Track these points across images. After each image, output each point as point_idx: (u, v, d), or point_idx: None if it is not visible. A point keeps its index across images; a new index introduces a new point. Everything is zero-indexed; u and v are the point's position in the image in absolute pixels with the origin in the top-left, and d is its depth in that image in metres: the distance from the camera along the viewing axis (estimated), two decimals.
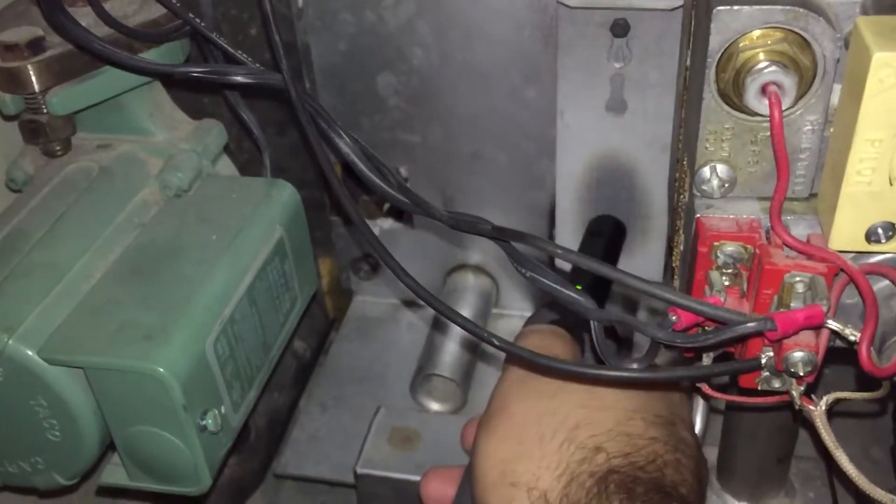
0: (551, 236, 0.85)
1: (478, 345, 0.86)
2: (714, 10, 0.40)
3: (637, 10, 0.69)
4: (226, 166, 0.73)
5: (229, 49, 0.59)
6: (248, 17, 0.77)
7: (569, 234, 0.83)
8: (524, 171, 0.83)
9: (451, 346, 0.84)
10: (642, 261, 0.83)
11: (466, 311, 0.87)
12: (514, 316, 0.92)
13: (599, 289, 0.67)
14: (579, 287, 0.65)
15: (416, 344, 0.88)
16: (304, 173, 0.84)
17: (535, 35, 0.75)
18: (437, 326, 0.87)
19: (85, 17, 0.61)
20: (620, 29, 0.71)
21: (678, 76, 0.61)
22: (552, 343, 0.53)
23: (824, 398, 0.45)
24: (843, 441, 0.45)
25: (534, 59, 0.76)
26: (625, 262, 0.84)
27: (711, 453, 0.68)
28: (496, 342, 0.46)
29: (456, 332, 0.85)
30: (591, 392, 0.48)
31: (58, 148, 0.64)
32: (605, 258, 0.73)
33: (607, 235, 0.75)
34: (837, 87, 0.42)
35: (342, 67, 0.80)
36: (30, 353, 0.54)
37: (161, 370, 0.52)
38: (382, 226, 0.88)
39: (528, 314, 0.90)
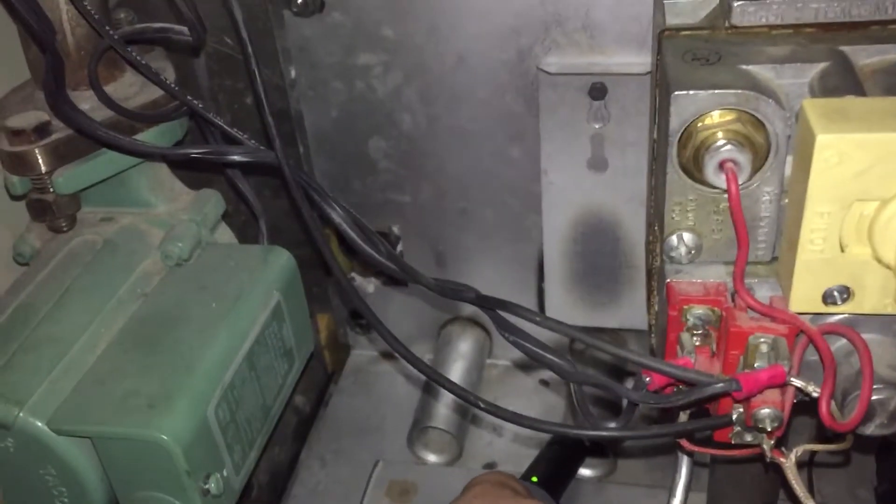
0: (540, 288, 0.88)
1: None
2: (672, 94, 0.44)
3: (613, 75, 0.73)
4: (224, 233, 0.76)
5: (226, 128, 0.62)
6: (243, 87, 0.81)
7: (557, 286, 0.86)
8: (511, 225, 0.86)
9: (446, 399, 0.86)
10: (630, 309, 0.86)
11: (460, 363, 0.90)
12: (507, 365, 0.94)
13: (556, 481, 0.72)
14: (535, 479, 0.70)
15: (412, 396, 0.90)
16: (300, 233, 0.87)
17: (518, 98, 0.78)
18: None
19: (88, 100, 0.64)
20: (598, 92, 0.74)
21: (648, 144, 0.64)
22: (500, 490, 0.53)
23: (794, 451, 0.47)
24: (828, 481, 0.47)
25: (517, 121, 0.79)
26: (613, 312, 0.86)
27: (700, 500, 0.70)
28: (482, 405, 0.49)
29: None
30: None
31: (63, 224, 0.67)
32: (563, 465, 0.77)
33: (569, 446, 0.79)
34: (791, 160, 0.45)
35: (334, 133, 0.83)
36: (39, 424, 0.56)
37: (164, 437, 0.55)
38: (376, 283, 0.91)
39: (521, 364, 0.94)
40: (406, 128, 0.81)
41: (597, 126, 0.76)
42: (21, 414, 0.56)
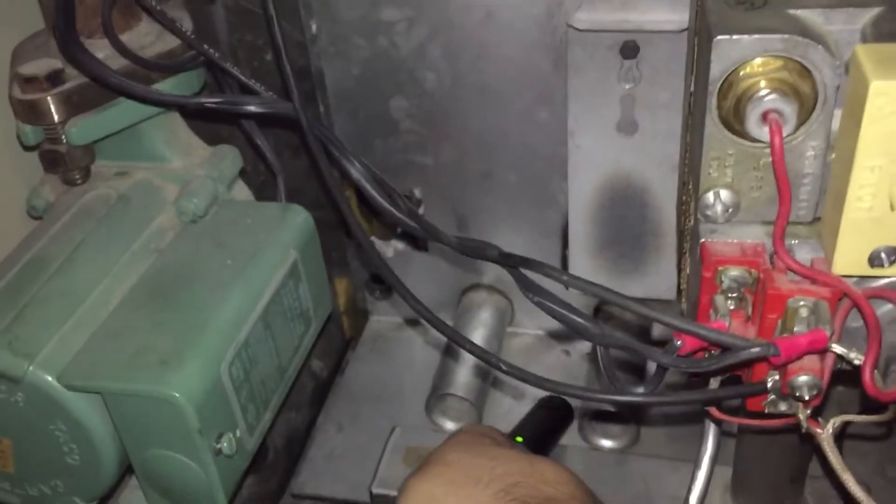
0: (564, 255, 0.86)
1: None
2: (714, 40, 0.41)
3: (646, 33, 0.70)
4: (241, 190, 0.74)
5: (243, 78, 0.60)
6: (263, 43, 0.79)
7: (581, 254, 0.83)
8: (536, 190, 0.83)
9: (466, 366, 0.84)
10: (655, 278, 0.83)
11: (481, 331, 0.88)
12: (528, 334, 0.92)
13: (540, 443, 0.72)
14: (520, 438, 0.68)
15: (430, 363, 0.89)
16: (319, 195, 0.85)
17: (546, 57, 0.75)
18: (452, 346, 0.87)
19: (103, 48, 0.62)
20: (630, 51, 0.71)
21: (684, 100, 0.61)
22: (480, 439, 0.52)
23: (831, 421, 0.45)
24: (857, 459, 0.45)
25: (545, 81, 0.77)
26: (639, 281, 0.84)
27: (725, 472, 0.68)
28: (504, 367, 0.47)
29: None
30: (532, 464, 0.47)
31: (77, 177, 0.65)
32: (548, 429, 0.77)
33: (554, 410, 0.78)
34: (839, 113, 0.43)
35: (355, 91, 0.81)
36: (49, 378, 0.55)
37: (176, 395, 0.54)
38: (396, 247, 0.89)
39: (543, 333, 0.92)
40: (429, 86, 0.79)
41: (627, 87, 0.73)
42: (31, 368, 0.55)
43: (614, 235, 0.82)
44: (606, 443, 0.79)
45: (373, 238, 0.89)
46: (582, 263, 0.84)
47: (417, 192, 0.86)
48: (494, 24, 0.74)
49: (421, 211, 0.86)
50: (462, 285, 0.91)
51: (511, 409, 0.84)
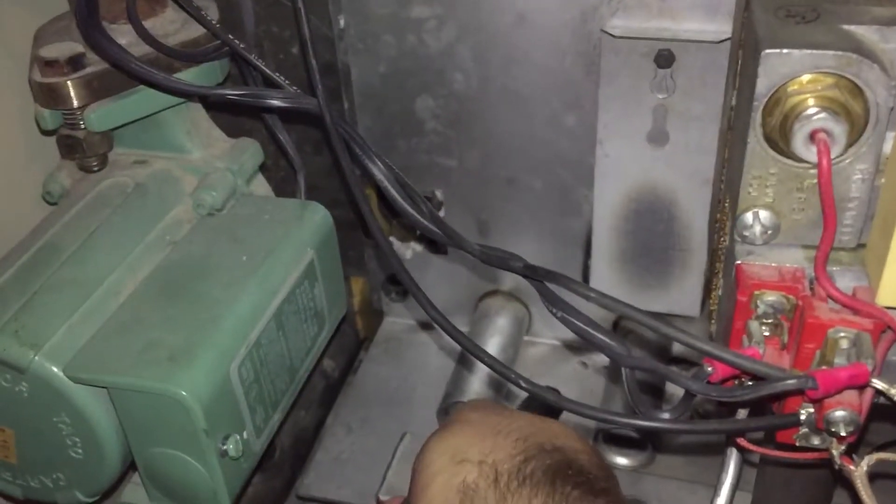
0: (586, 265, 0.84)
1: None
2: (762, 53, 0.39)
3: (682, 42, 0.68)
4: (261, 185, 0.73)
5: (267, 71, 0.59)
6: (289, 36, 0.77)
7: (604, 265, 0.81)
8: (560, 198, 0.81)
9: (480, 373, 0.83)
10: (679, 294, 0.81)
11: (497, 338, 0.86)
12: (545, 344, 0.91)
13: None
14: None
15: (444, 368, 0.87)
16: (339, 193, 0.83)
17: (578, 62, 0.73)
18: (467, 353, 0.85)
19: (126, 34, 0.61)
20: (665, 60, 0.69)
21: (722, 114, 0.59)
22: (494, 405, 0.53)
23: (865, 459, 0.43)
24: (887, 497, 0.43)
25: (575, 87, 0.75)
26: (661, 296, 0.82)
27: (745, 500, 0.66)
28: (523, 384, 0.45)
29: None
30: (543, 421, 0.48)
31: (94, 164, 0.64)
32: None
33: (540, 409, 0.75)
34: (891, 136, 0.40)
35: (381, 89, 0.79)
36: (55, 370, 0.54)
37: (183, 393, 0.52)
38: (415, 249, 0.88)
39: (559, 343, 0.90)
40: (457, 87, 0.77)
41: (660, 96, 0.71)
42: (36, 358, 0.53)
43: (639, 248, 0.80)
44: (622, 461, 0.77)
45: (391, 239, 0.87)
46: (604, 275, 0.82)
47: (439, 195, 0.84)
48: (526, 28, 0.72)
49: (442, 213, 0.84)
50: (480, 291, 0.89)
51: None
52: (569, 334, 0.88)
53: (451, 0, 0.73)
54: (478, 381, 0.82)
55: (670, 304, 0.82)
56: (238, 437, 0.56)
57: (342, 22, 0.76)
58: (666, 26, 0.69)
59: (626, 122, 0.73)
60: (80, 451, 0.57)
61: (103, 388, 0.54)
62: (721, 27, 0.67)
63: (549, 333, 0.90)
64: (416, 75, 0.77)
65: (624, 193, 0.77)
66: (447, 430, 0.50)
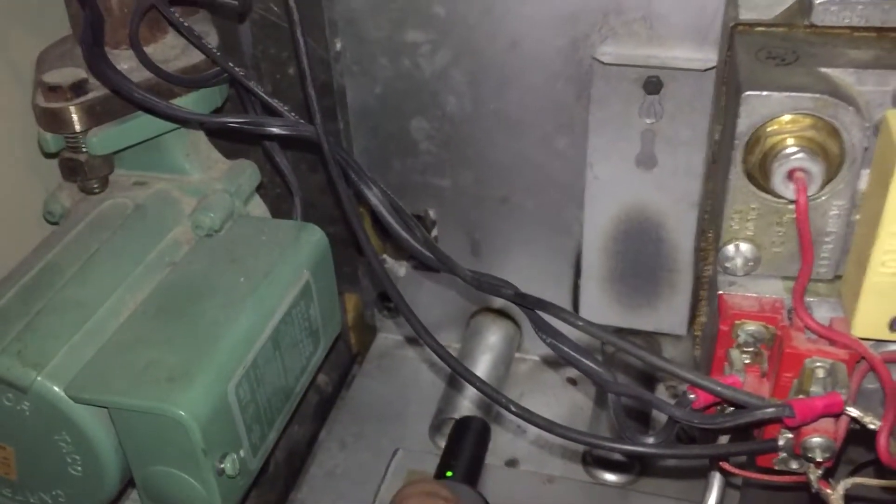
0: (576, 284, 0.85)
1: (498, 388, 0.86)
2: (743, 94, 0.41)
3: (670, 69, 0.70)
4: (257, 206, 0.74)
5: (266, 98, 0.60)
6: (286, 57, 0.79)
7: (594, 284, 0.83)
8: (551, 218, 0.83)
9: (472, 390, 0.83)
10: (667, 313, 0.83)
11: (488, 356, 0.87)
12: (536, 361, 0.92)
13: (470, 471, 0.70)
14: (450, 473, 0.68)
15: (437, 384, 0.88)
16: (334, 210, 0.85)
17: (569, 87, 0.75)
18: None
19: (127, 59, 0.62)
20: (653, 86, 0.71)
21: (707, 146, 0.61)
22: (430, 500, 0.53)
23: (842, 483, 0.44)
24: None
25: (566, 111, 0.76)
26: (650, 314, 0.83)
27: None
28: (513, 409, 0.46)
29: (477, 374, 0.85)
30: None
31: (95, 186, 0.65)
32: (473, 454, 0.74)
33: (473, 432, 0.76)
34: (866, 173, 0.42)
35: (376, 110, 0.81)
36: (56, 389, 0.55)
37: (182, 413, 0.53)
38: (409, 266, 0.89)
39: (550, 359, 0.91)
40: (450, 110, 0.79)
41: (649, 121, 0.73)
42: (39, 378, 0.55)
43: (628, 268, 0.81)
44: (610, 477, 0.79)
45: (385, 256, 0.89)
46: (594, 293, 0.84)
47: (432, 213, 0.86)
48: (519, 53, 0.74)
49: (435, 232, 0.86)
50: (472, 308, 0.91)
51: (515, 437, 0.84)
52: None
53: (445, 25, 0.74)
54: (469, 398, 0.83)
55: (658, 323, 0.84)
56: (235, 455, 0.57)
57: (339, 45, 0.78)
58: (654, 54, 0.71)
59: (615, 145, 0.75)
60: (79, 468, 0.58)
61: (103, 407, 0.55)
62: (707, 55, 0.69)
63: (539, 350, 0.92)
64: (411, 97, 0.79)
65: (613, 215, 0.79)
66: None
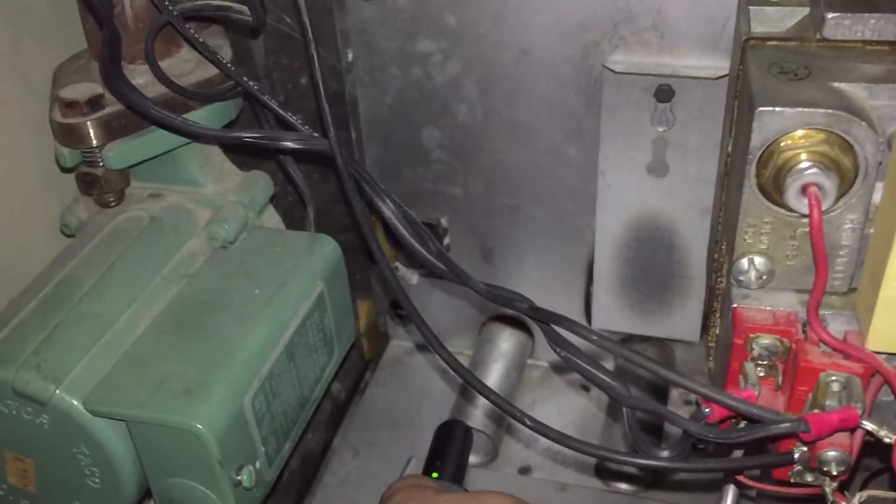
0: (588, 292, 0.85)
1: (511, 396, 0.86)
2: (756, 110, 0.41)
3: (682, 78, 0.70)
4: (271, 217, 0.74)
5: (281, 112, 0.60)
6: (298, 67, 0.79)
7: (606, 291, 0.83)
8: (563, 226, 0.83)
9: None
10: (679, 320, 0.83)
11: (501, 363, 0.88)
12: (548, 368, 0.92)
13: (456, 472, 0.70)
14: (436, 475, 0.68)
15: (450, 391, 0.89)
16: (346, 218, 0.85)
17: (580, 95, 0.75)
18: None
19: (143, 74, 0.63)
20: (664, 95, 0.71)
21: (720, 159, 0.61)
22: (419, 491, 0.54)
23: (857, 496, 0.44)
24: None
25: (577, 119, 0.77)
26: (662, 321, 0.84)
27: None
28: (528, 422, 0.47)
29: (489, 382, 0.85)
30: (477, 500, 0.49)
31: (111, 199, 0.66)
32: (458, 455, 0.74)
33: (457, 435, 0.76)
34: (880, 186, 0.42)
35: (388, 120, 0.81)
36: (75, 403, 0.55)
37: (199, 426, 0.54)
38: (421, 274, 0.89)
39: (562, 368, 0.92)
40: (462, 119, 0.79)
41: (660, 129, 0.73)
42: (58, 392, 0.55)
43: (640, 275, 0.82)
44: (621, 485, 0.79)
45: (397, 265, 0.89)
46: (605, 300, 0.84)
47: (444, 222, 0.86)
48: (529, 62, 0.74)
49: (447, 240, 0.86)
50: (484, 315, 0.91)
51: (529, 444, 0.84)
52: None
53: (456, 35, 0.75)
54: (482, 406, 0.84)
55: (671, 330, 0.84)
56: (251, 467, 0.57)
57: (350, 55, 0.78)
58: (665, 62, 0.71)
59: (626, 153, 0.75)
60: (97, 480, 0.58)
61: (121, 420, 0.56)
62: (719, 63, 0.69)
63: (551, 357, 0.92)
64: (422, 107, 0.79)
65: (625, 222, 0.79)
66: None
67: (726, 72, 0.67)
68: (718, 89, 0.69)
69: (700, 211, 0.76)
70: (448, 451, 0.74)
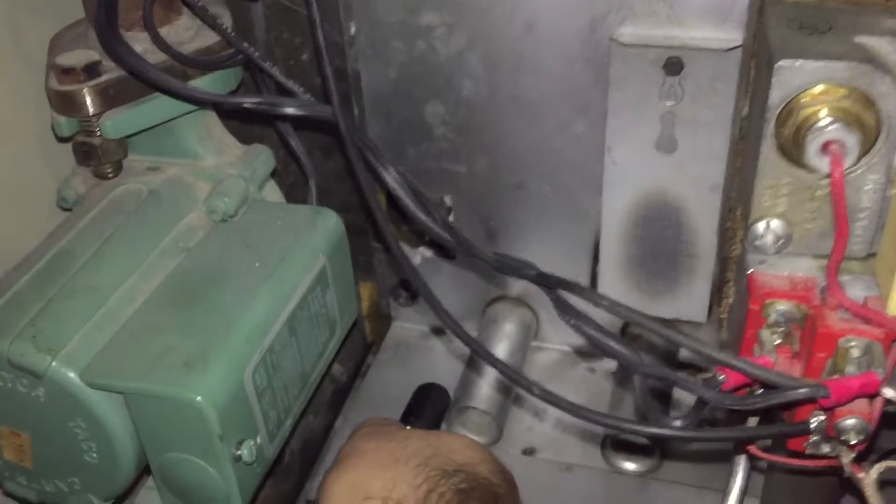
0: (594, 271, 0.84)
1: None
2: (776, 65, 0.39)
3: (691, 50, 0.68)
4: (272, 191, 0.73)
5: (281, 79, 0.59)
6: (300, 42, 0.78)
7: (612, 271, 0.82)
8: (569, 204, 0.82)
9: (488, 379, 0.83)
10: (687, 300, 0.82)
11: (505, 343, 0.86)
12: (553, 349, 0.91)
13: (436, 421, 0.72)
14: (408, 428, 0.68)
15: (452, 373, 0.87)
16: (349, 197, 0.84)
17: (586, 70, 0.74)
18: (475, 358, 0.86)
19: (142, 41, 0.62)
20: (674, 67, 0.70)
21: (733, 123, 0.59)
22: (385, 428, 0.55)
23: (875, 467, 0.43)
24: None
25: (583, 94, 0.75)
26: (669, 301, 0.82)
27: None
28: (536, 391, 0.45)
29: None
30: (439, 438, 0.51)
31: (109, 170, 0.65)
32: (433, 414, 0.77)
33: (433, 397, 0.78)
34: None
35: (391, 95, 0.80)
36: (71, 375, 0.54)
37: (199, 399, 0.53)
38: (424, 254, 0.88)
39: (568, 349, 0.90)
40: (466, 94, 0.78)
41: (669, 104, 0.72)
42: (54, 363, 0.54)
43: (647, 254, 0.80)
44: (629, 465, 0.78)
45: (401, 245, 0.88)
46: (612, 280, 0.83)
47: (448, 200, 0.85)
48: (535, 36, 0.73)
49: (451, 219, 0.85)
50: (488, 296, 0.90)
51: (533, 425, 0.83)
52: (577, 340, 0.89)
53: (460, 8, 0.73)
54: (486, 386, 0.83)
55: (678, 310, 0.83)
56: (252, 442, 0.56)
57: (353, 29, 0.77)
58: (675, 34, 0.70)
59: (634, 129, 0.73)
60: (95, 455, 0.57)
61: (119, 393, 0.55)
62: (731, 35, 0.67)
63: (556, 339, 0.91)
64: (426, 82, 0.78)
65: (632, 200, 0.78)
66: (344, 464, 0.51)
67: (738, 43, 0.66)
68: (729, 62, 0.67)
69: (709, 188, 0.74)
70: (423, 410, 0.74)
